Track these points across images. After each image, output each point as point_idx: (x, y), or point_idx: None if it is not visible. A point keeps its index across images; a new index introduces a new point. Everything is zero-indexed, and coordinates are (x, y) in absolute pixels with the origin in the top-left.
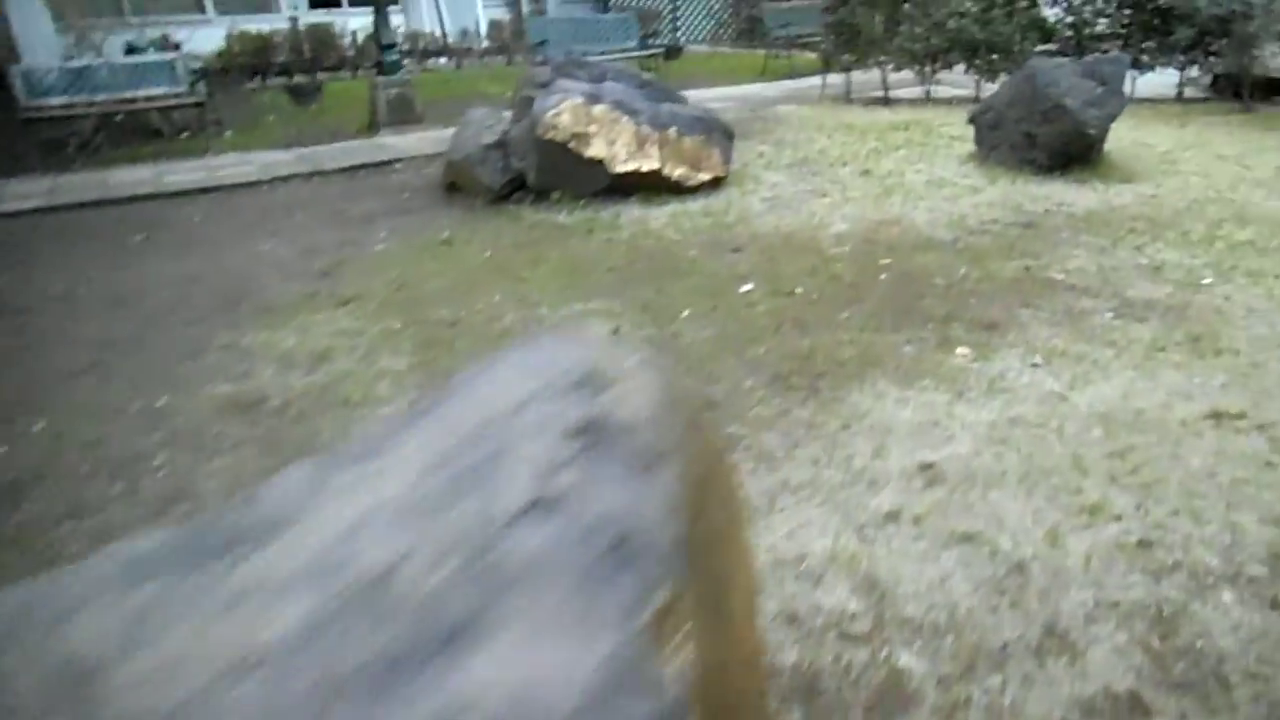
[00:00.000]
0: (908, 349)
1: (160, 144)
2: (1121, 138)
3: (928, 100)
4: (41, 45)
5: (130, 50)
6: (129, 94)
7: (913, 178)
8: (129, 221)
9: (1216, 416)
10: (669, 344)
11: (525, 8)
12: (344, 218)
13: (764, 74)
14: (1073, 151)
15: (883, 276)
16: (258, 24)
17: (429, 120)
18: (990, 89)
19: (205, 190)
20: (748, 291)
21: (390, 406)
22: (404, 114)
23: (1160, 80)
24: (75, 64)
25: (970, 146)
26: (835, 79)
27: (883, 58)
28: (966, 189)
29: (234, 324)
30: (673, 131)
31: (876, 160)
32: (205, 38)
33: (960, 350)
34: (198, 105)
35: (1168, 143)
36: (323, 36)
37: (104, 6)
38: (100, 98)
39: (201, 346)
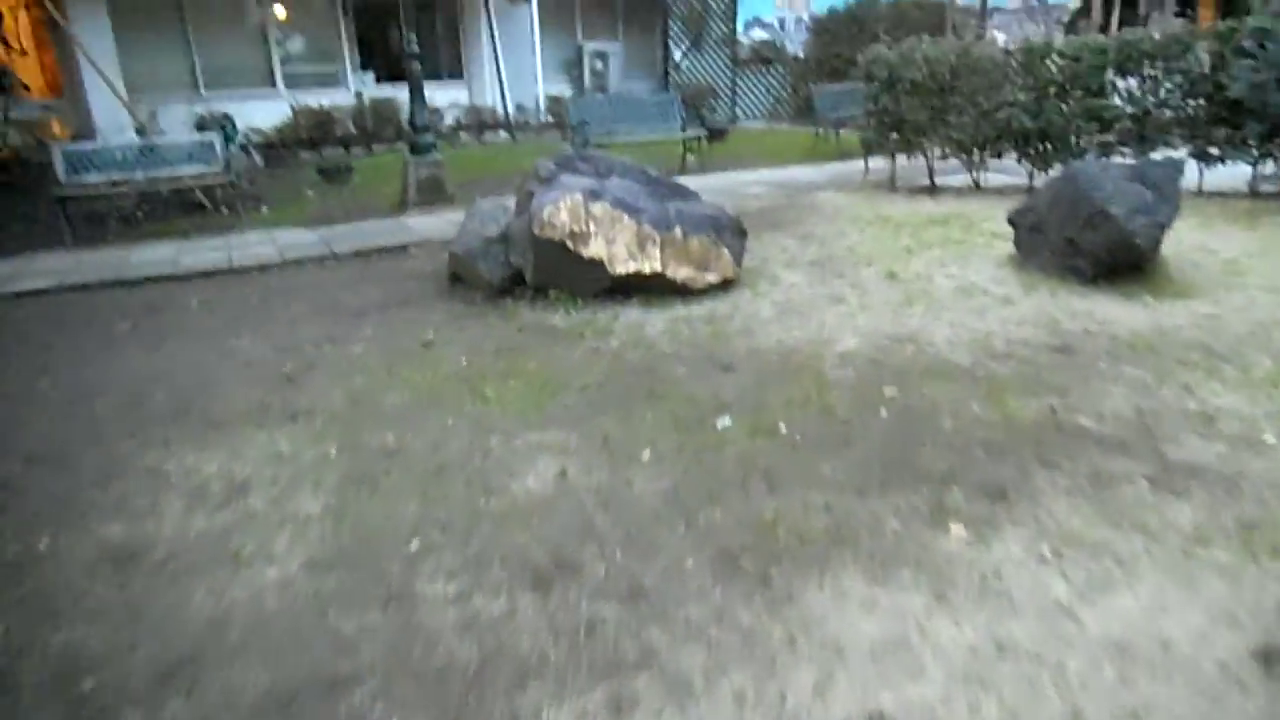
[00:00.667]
0: (892, 523)
1: (198, 219)
2: (1181, 240)
3: (976, 189)
4: (113, 121)
5: (199, 125)
6: (165, 173)
7: (942, 283)
8: (126, 306)
9: (1268, 658)
10: (616, 496)
11: (587, 83)
12: (337, 309)
13: (813, 155)
14: (1119, 261)
15: (883, 412)
16: (323, 99)
17: (460, 200)
18: (1045, 178)
19: (215, 274)
20: (724, 429)
21: (276, 569)
22: (434, 194)
23: (1231, 173)
24: (114, 144)
25: (1011, 247)
26: (880, 162)
27: (928, 145)
28: (998, 300)
29: (169, 440)
30: (678, 231)
31: (906, 261)
32: (270, 111)
33: (954, 528)
34: (231, 185)
35: (1234, 248)
36: (385, 111)
37: (178, 82)
38: (138, 176)
39: (123, 469)
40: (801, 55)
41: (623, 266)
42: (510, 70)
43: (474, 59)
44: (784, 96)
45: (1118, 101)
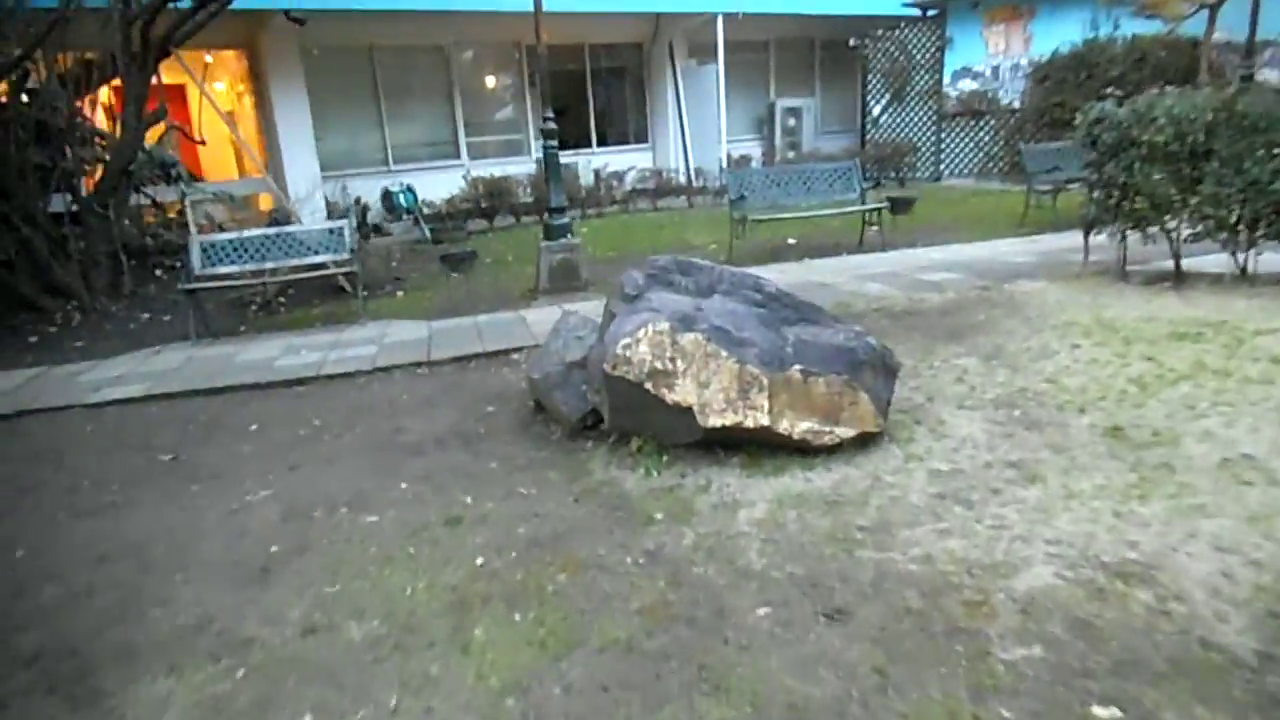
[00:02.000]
0: None
1: (332, 305)
2: None
3: (1242, 278)
4: (306, 197)
5: (385, 195)
6: (294, 261)
7: (1197, 451)
8: (191, 424)
9: None
10: None
11: (778, 140)
12: (392, 444)
13: (1023, 224)
14: None
15: None
16: (507, 167)
17: (595, 288)
18: None
19: (301, 382)
20: None
21: None
22: (566, 281)
23: None
24: (247, 234)
25: None
26: (1106, 238)
27: (1173, 223)
28: None
29: (64, 679)
30: (795, 371)
31: (1138, 404)
32: (452, 182)
33: None
34: (352, 274)
35: None
36: (565, 176)
37: (370, 158)
38: (268, 265)
39: None
40: (1018, 105)
41: (717, 418)
42: (695, 131)
43: (659, 121)
44: (995, 152)
45: None
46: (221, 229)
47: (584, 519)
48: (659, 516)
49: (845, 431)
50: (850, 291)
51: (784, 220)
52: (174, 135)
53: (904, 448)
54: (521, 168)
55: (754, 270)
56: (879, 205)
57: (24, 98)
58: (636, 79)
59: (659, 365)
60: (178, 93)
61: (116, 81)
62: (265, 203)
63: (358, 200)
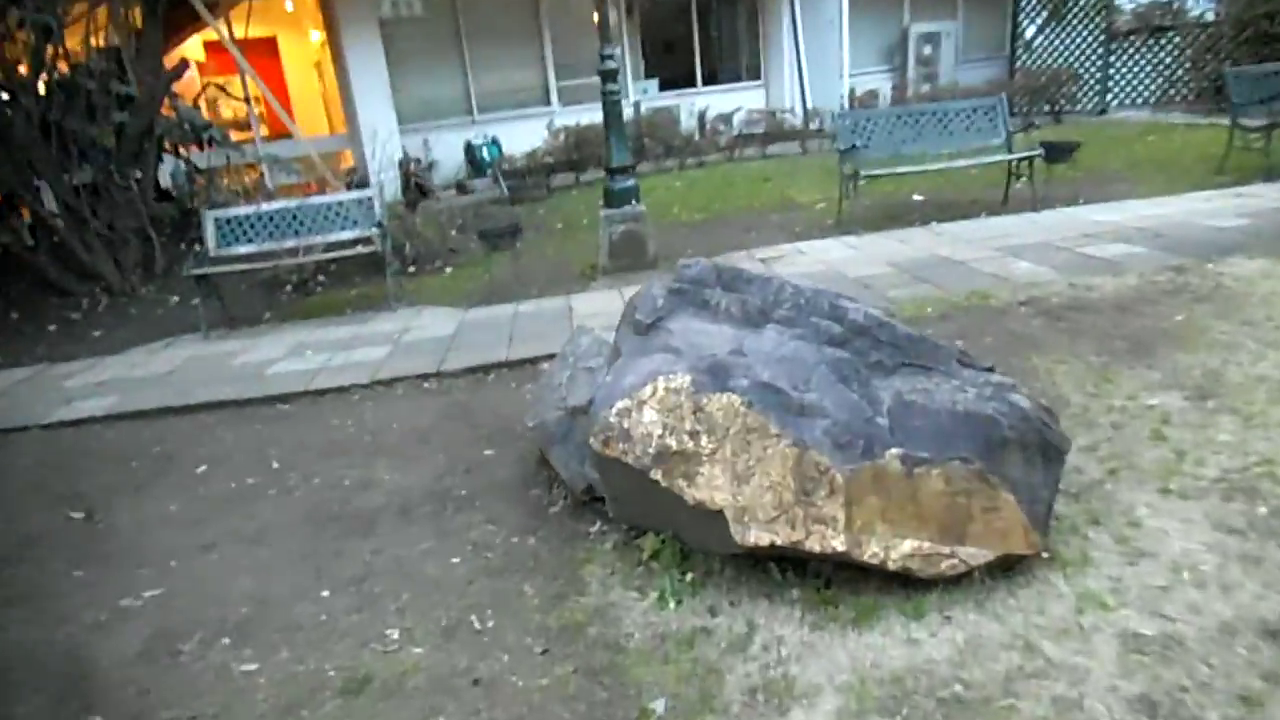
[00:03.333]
0: None
1: (377, 283)
2: None
3: None
4: (394, 146)
5: (468, 149)
6: (318, 238)
7: None
8: (135, 461)
9: None
10: None
11: (911, 72)
12: (337, 519)
13: (1223, 172)
14: None
15: None
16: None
17: (670, 262)
18: None
19: (282, 399)
20: None
21: None
22: (631, 258)
23: None
24: (268, 208)
25: None
26: None
27: None
28: None
29: None
30: (893, 458)
31: None
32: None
33: None
34: (379, 254)
35: None
36: (659, 122)
37: (452, 108)
38: (289, 244)
39: None
40: (1212, 17)
41: (762, 531)
42: (813, 64)
43: (773, 55)
44: (1179, 77)
45: None
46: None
47: (546, 700)
48: (659, 711)
49: (976, 554)
50: (990, 274)
51: (907, 178)
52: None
53: (1073, 579)
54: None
55: (864, 240)
56: (1030, 153)
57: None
58: (750, 6)
59: (673, 443)
60: (268, 45)
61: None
62: (346, 161)
63: (404, 160)
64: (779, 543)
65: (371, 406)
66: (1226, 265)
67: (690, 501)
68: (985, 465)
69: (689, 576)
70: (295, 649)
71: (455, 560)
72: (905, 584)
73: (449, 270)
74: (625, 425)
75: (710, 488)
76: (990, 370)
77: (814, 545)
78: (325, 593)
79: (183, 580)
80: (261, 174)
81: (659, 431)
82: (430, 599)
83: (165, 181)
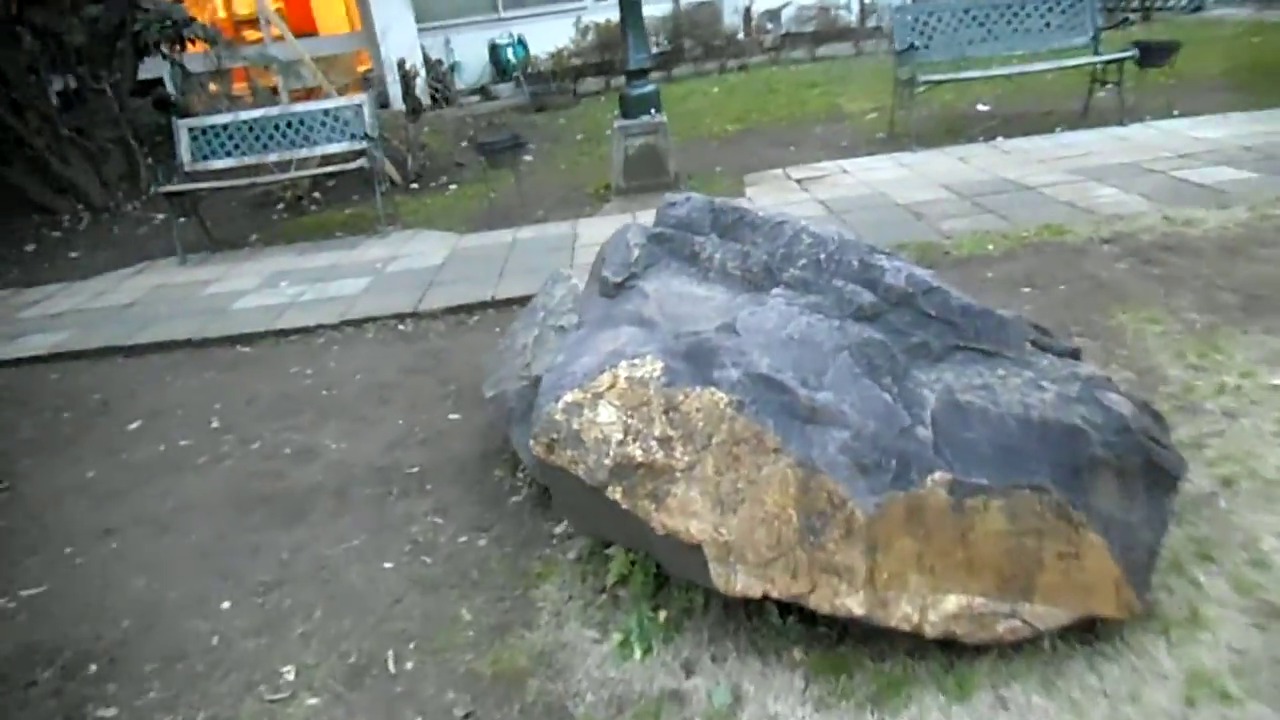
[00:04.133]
0: None
1: (374, 203)
2: None
3: None
4: (404, 47)
5: (492, 50)
6: (304, 151)
7: None
8: (67, 413)
9: None
10: None
11: None
12: (266, 500)
13: None
14: None
15: None
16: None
17: (696, 181)
18: None
19: (243, 339)
20: None
21: None
22: (650, 175)
23: None
24: (247, 116)
25: None
26: None
27: None
28: None
29: None
30: (936, 484)
31: None
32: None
33: None
34: (365, 169)
35: None
36: (700, 19)
37: (475, 4)
38: (272, 157)
39: None
40: None
41: (752, 578)
42: None
43: None
44: None
45: None
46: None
47: None
48: None
49: (1046, 614)
50: (1066, 203)
51: (972, 80)
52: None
53: (1179, 648)
54: (654, 7)
55: (919, 158)
56: (1122, 55)
57: None
58: None
59: (637, 453)
60: None
61: None
62: (364, 63)
63: (402, 62)
64: (774, 595)
65: (337, 352)
66: None
67: (659, 530)
68: (1066, 495)
69: (662, 614)
70: (169, 687)
71: (387, 565)
72: (947, 646)
73: (454, 188)
74: (575, 426)
75: (685, 514)
76: (1075, 356)
77: (821, 603)
78: (226, 604)
79: (70, 577)
80: (275, 80)
81: (619, 436)
82: (345, 621)
83: (171, 90)
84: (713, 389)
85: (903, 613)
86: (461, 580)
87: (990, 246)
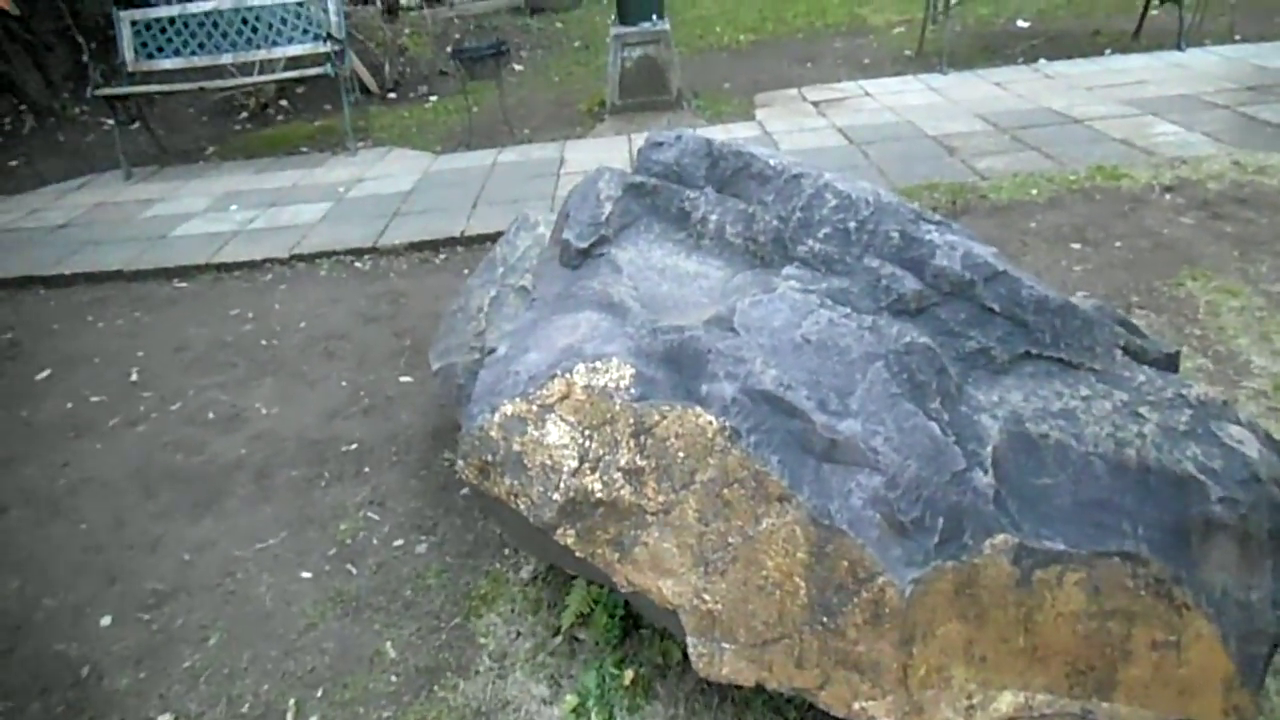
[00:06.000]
0: None
1: (339, 116)
2: None
3: None
4: None
5: None
6: (263, 53)
7: None
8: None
9: None
10: None
11: None
12: (175, 478)
13: None
14: None
15: None
16: None
17: (703, 101)
18: None
19: (180, 273)
20: None
21: None
22: (649, 92)
23: None
24: (195, 8)
25: None
26: None
27: None
28: None
29: None
30: (998, 550)
31: None
32: None
33: None
34: (330, 76)
35: None
36: None
37: None
38: (226, 58)
39: None
40: None
41: (743, 660)
42: None
43: None
44: None
45: None
46: None
47: None
48: None
49: (1129, 716)
50: (1120, 140)
51: None
52: None
53: None
54: None
55: (951, 81)
56: None
57: None
58: None
59: (595, 486)
60: None
61: None
62: None
63: None
64: (772, 686)
65: (283, 292)
66: None
67: (624, 586)
68: (1168, 567)
69: (629, 672)
70: None
71: (305, 576)
72: None
73: (434, 100)
74: (516, 447)
75: (657, 570)
76: (1174, 364)
77: (835, 703)
78: (107, 619)
79: None
80: None
81: (573, 464)
82: (245, 652)
83: None
84: (699, 409)
85: (942, 717)
86: (391, 600)
87: (1034, 191)
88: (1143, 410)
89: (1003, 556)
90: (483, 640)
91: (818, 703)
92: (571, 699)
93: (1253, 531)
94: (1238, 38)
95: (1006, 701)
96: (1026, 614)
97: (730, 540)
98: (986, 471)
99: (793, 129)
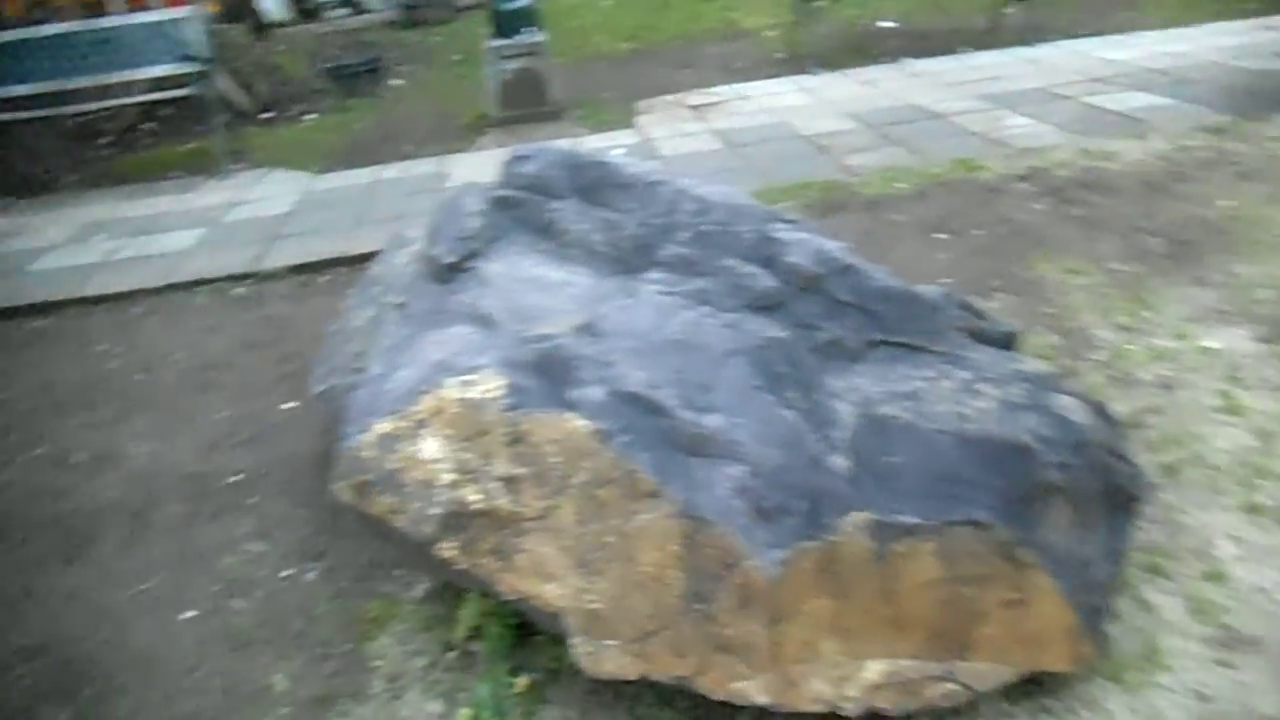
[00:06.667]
0: None
1: (222, 135)
2: None
3: None
4: None
5: None
6: (124, 75)
7: None
8: None
9: None
10: None
11: None
12: (35, 530)
13: None
14: None
15: None
16: None
17: (584, 110)
18: None
19: (39, 310)
20: None
21: None
22: (529, 103)
23: None
24: (42, 32)
25: None
26: None
27: None
28: None
29: None
30: (856, 528)
31: None
32: None
33: None
34: (196, 98)
35: None
36: None
37: None
38: (75, 83)
39: None
40: None
41: (627, 655)
42: None
43: None
44: None
45: None
46: None
47: None
48: None
49: (987, 673)
50: (978, 134)
51: None
52: None
53: (1139, 697)
54: None
55: (822, 82)
56: None
57: None
58: None
59: (474, 498)
60: None
61: None
62: None
63: None
64: (655, 677)
65: (157, 323)
66: (1275, 126)
67: (508, 594)
68: (1012, 531)
69: (522, 679)
70: None
71: (187, 616)
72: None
73: (312, 118)
74: (391, 465)
75: (539, 575)
76: (1010, 342)
77: (714, 687)
78: None
79: None
80: None
81: (450, 477)
82: (119, 707)
83: None
84: (570, 414)
85: (815, 692)
86: (279, 633)
87: (901, 185)
88: (982, 387)
89: (860, 533)
90: (376, 663)
91: (697, 689)
92: (465, 712)
93: (1084, 493)
94: (1079, 33)
95: (874, 670)
96: (887, 585)
97: (607, 539)
98: (843, 454)
99: (673, 134)
